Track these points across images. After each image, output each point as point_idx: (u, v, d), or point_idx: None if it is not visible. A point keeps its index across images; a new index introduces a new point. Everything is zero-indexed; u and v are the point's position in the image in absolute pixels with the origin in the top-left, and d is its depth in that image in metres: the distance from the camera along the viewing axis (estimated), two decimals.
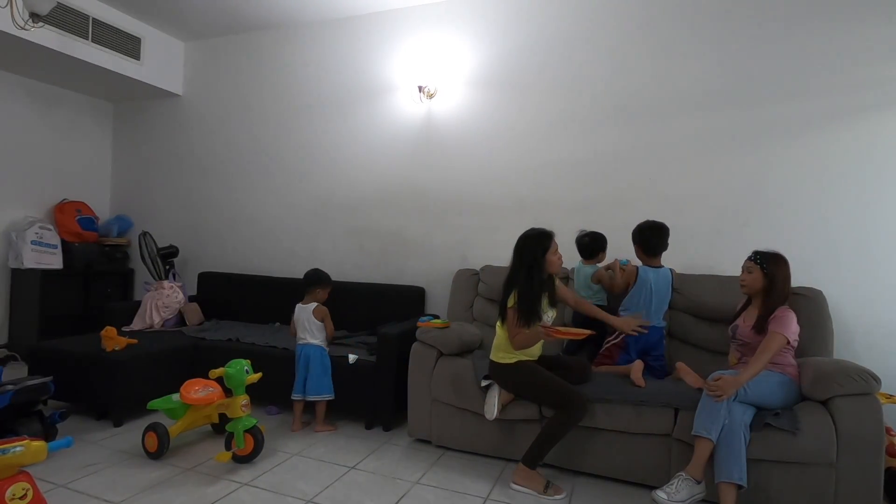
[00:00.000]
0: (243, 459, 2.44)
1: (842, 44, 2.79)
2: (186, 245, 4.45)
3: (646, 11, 3.18)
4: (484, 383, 2.50)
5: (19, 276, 4.13)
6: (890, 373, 2.52)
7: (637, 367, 2.43)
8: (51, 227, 4.24)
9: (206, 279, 4.20)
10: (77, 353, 2.96)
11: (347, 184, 3.96)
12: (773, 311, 2.21)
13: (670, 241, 2.68)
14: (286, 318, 3.81)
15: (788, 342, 2.16)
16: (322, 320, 2.94)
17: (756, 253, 2.32)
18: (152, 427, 2.49)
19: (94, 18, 3.79)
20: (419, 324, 2.82)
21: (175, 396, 2.56)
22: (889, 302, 2.70)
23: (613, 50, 3.25)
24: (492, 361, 2.47)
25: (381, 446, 2.74)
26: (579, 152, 3.32)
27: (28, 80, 4.26)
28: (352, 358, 2.94)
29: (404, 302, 3.55)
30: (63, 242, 4.30)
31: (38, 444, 1.68)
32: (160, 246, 4.12)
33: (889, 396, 2.34)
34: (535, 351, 2.47)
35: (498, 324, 2.47)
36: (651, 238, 2.64)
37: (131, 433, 2.75)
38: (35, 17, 3.16)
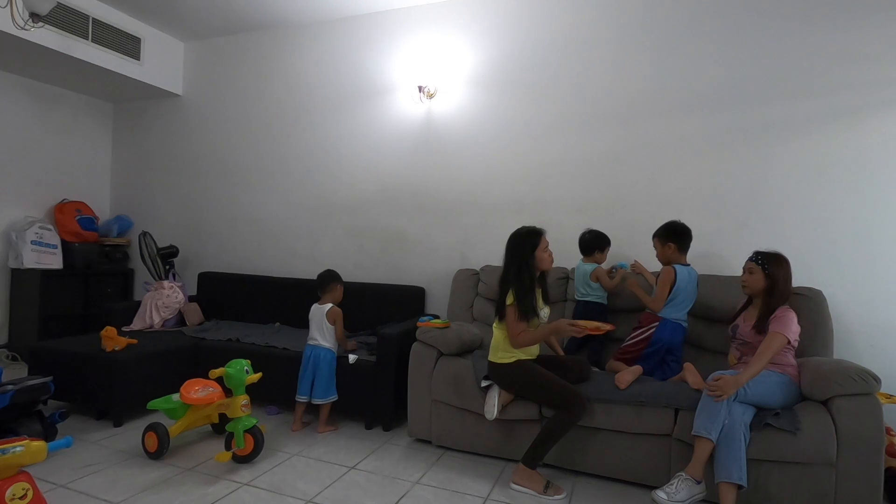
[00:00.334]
0: (243, 459, 2.44)
1: (842, 44, 2.79)
2: (186, 245, 4.45)
3: (646, 11, 3.18)
4: (484, 384, 2.50)
5: (19, 276, 4.13)
6: (890, 373, 2.52)
7: (633, 371, 2.43)
8: (51, 227, 4.24)
9: (206, 279, 4.20)
10: (77, 353, 2.97)
11: (347, 184, 3.96)
12: (774, 311, 2.21)
13: None
14: (286, 318, 3.85)
15: (789, 342, 2.16)
16: (334, 323, 2.94)
17: (757, 253, 2.32)
18: (152, 427, 2.49)
19: (94, 18, 3.79)
20: (419, 324, 2.82)
21: (175, 396, 2.56)
22: (889, 302, 2.70)
23: (613, 50, 3.25)
24: (490, 362, 2.47)
25: (381, 446, 2.74)
26: (579, 152, 3.32)
27: (28, 80, 4.26)
28: (352, 358, 2.94)
29: (404, 302, 3.55)
30: (63, 242, 4.30)
31: (38, 444, 1.68)
32: (160, 246, 4.12)
33: (889, 396, 2.35)
34: (533, 350, 2.47)
35: (495, 324, 2.48)
36: (686, 235, 2.66)
37: (131, 433, 2.75)
38: (35, 17, 3.16)
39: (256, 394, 2.70)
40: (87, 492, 2.15)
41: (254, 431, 2.46)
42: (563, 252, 2.90)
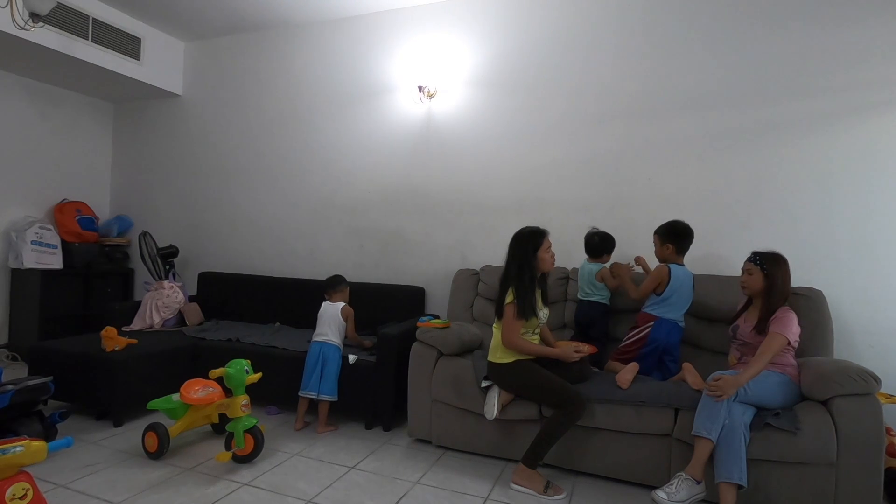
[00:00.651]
0: (243, 459, 2.44)
1: (842, 44, 2.79)
2: (186, 245, 4.45)
3: (646, 11, 3.18)
4: (484, 384, 2.50)
5: (19, 276, 4.13)
6: (890, 373, 2.52)
7: (630, 369, 2.43)
8: (51, 227, 4.24)
9: (206, 279, 4.20)
10: (77, 353, 2.96)
11: (347, 184, 3.96)
12: (774, 312, 2.21)
13: None
14: (286, 318, 3.84)
15: (789, 343, 2.16)
16: (346, 320, 2.99)
17: (755, 254, 2.32)
18: (152, 427, 2.49)
19: (94, 18, 3.79)
20: (419, 324, 2.82)
21: (175, 396, 2.56)
22: (889, 302, 2.70)
23: (614, 49, 3.25)
24: (490, 362, 2.47)
25: (381, 446, 2.74)
26: (579, 152, 3.32)
27: (28, 80, 4.26)
28: (352, 358, 2.94)
29: (404, 302, 3.55)
30: (63, 242, 4.30)
31: (38, 444, 1.68)
32: (160, 246, 4.12)
33: (889, 396, 2.35)
34: None
35: (495, 324, 2.48)
36: (687, 237, 2.66)
37: (131, 433, 2.75)
38: (35, 17, 3.16)
39: (256, 394, 2.70)
40: (87, 492, 2.15)
41: (254, 431, 2.46)
42: (563, 252, 2.89)
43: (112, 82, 4.27)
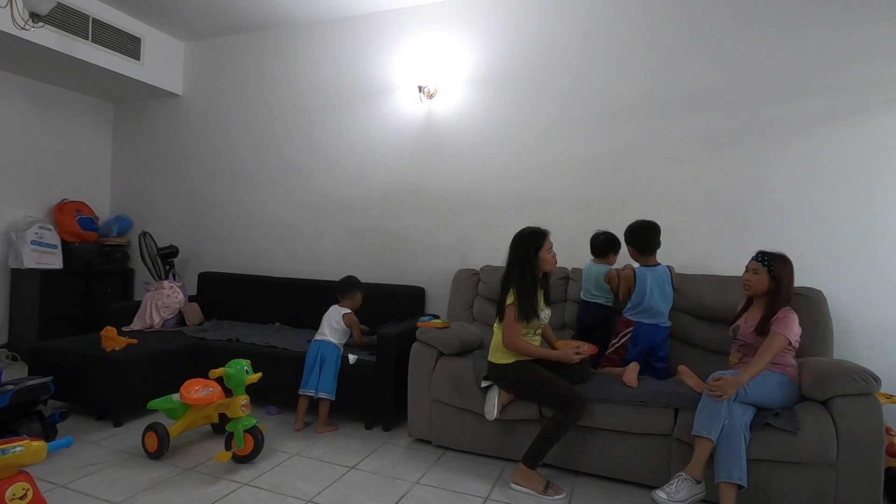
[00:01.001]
0: (243, 459, 2.44)
1: (842, 44, 2.79)
2: (186, 245, 4.45)
3: (645, 11, 3.18)
4: (484, 384, 2.50)
5: (19, 276, 4.13)
6: (890, 373, 2.52)
7: (632, 368, 2.43)
8: (51, 227, 4.24)
9: (206, 279, 4.20)
10: (77, 353, 2.96)
11: (348, 183, 3.96)
12: (776, 313, 2.21)
13: (671, 240, 2.68)
14: (286, 318, 3.85)
15: (790, 343, 2.16)
16: (350, 327, 3.01)
17: (762, 254, 2.30)
18: (152, 427, 2.49)
19: (94, 18, 3.79)
20: (419, 324, 2.82)
21: (175, 396, 2.56)
22: (889, 302, 2.70)
23: (613, 49, 3.25)
24: (490, 362, 2.47)
25: (381, 446, 2.74)
26: (579, 152, 3.32)
27: (28, 80, 4.26)
28: (352, 358, 2.94)
29: (404, 302, 3.55)
30: (63, 242, 4.30)
31: (38, 444, 1.68)
32: (160, 246, 4.12)
33: (889, 396, 2.35)
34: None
35: (495, 324, 2.48)
36: (644, 236, 2.64)
37: (131, 433, 2.75)
38: (35, 17, 3.16)
39: (256, 394, 2.70)
40: (87, 492, 2.15)
41: (254, 431, 2.46)
42: (563, 252, 2.88)
43: (112, 82, 4.27)
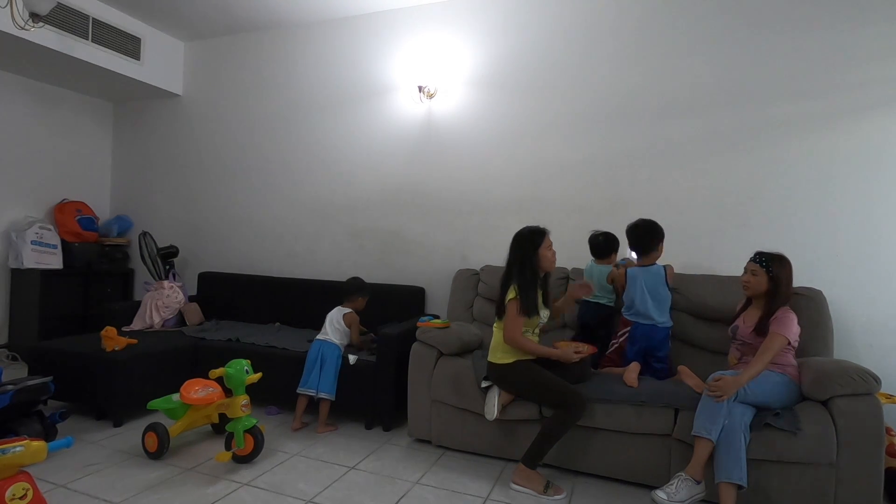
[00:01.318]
0: (243, 459, 2.44)
1: (842, 44, 2.79)
2: (186, 245, 4.45)
3: (646, 12, 3.18)
4: (484, 384, 2.50)
5: (19, 276, 4.13)
6: (890, 373, 2.52)
7: (632, 368, 2.43)
8: (51, 227, 4.24)
9: (206, 279, 4.20)
10: (77, 353, 2.96)
11: (347, 184, 3.96)
12: (775, 313, 2.21)
13: (671, 240, 2.66)
14: (286, 318, 3.85)
15: (789, 342, 2.16)
16: (349, 326, 3.02)
17: (760, 254, 2.30)
18: (152, 427, 2.49)
19: (94, 18, 3.79)
20: (419, 324, 2.82)
21: (175, 396, 2.56)
22: (889, 302, 2.70)
23: (613, 49, 3.25)
24: (490, 362, 2.47)
25: (381, 446, 2.74)
26: (579, 152, 3.32)
27: (28, 80, 4.26)
28: (352, 358, 2.94)
29: (404, 302, 3.55)
30: (63, 242, 4.30)
31: (38, 444, 1.68)
32: (160, 246, 4.12)
33: (889, 396, 2.35)
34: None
35: (495, 324, 2.48)
36: (634, 237, 2.63)
37: (131, 433, 2.75)
38: (35, 17, 3.16)
39: (256, 394, 2.70)
40: (87, 492, 2.15)
41: (254, 431, 2.46)
42: (562, 252, 2.88)
43: (112, 82, 4.27)
